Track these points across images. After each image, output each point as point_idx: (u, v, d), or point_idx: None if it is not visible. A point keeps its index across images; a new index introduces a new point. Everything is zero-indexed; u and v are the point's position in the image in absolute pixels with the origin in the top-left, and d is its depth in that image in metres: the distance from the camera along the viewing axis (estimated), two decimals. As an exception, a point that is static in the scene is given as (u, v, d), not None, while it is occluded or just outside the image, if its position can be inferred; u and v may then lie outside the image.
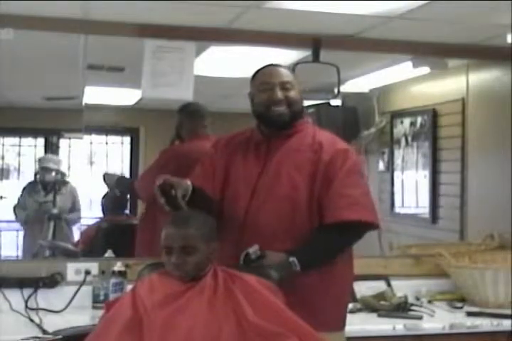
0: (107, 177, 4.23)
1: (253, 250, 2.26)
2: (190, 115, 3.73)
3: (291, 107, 2.40)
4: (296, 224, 2.34)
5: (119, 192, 4.26)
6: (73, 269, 3.09)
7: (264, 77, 2.44)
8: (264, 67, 2.48)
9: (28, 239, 4.13)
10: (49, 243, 3.84)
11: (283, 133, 2.44)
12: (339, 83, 3.52)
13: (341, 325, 2.45)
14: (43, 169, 4.21)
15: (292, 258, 2.25)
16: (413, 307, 3.09)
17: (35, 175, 4.26)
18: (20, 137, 4.61)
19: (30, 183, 4.25)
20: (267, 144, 2.45)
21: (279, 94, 2.38)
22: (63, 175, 4.22)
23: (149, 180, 3.61)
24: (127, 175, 4.53)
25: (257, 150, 2.46)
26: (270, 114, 2.40)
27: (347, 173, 2.35)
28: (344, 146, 2.44)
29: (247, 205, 2.38)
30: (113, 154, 4.60)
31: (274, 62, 2.51)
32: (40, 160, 4.39)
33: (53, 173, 4.17)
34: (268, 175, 2.40)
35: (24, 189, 4.23)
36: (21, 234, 4.20)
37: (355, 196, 2.34)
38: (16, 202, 4.21)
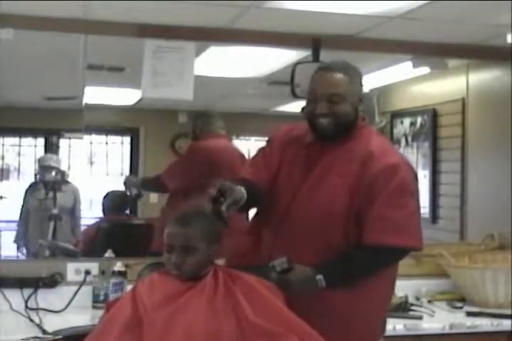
0: (128, 181, 4.20)
1: (278, 262, 2.15)
2: (208, 117, 3.87)
3: (338, 120, 2.22)
4: (330, 236, 2.22)
5: (141, 193, 4.22)
6: (73, 269, 3.09)
7: (314, 85, 2.27)
8: (320, 69, 2.31)
9: (29, 238, 4.12)
10: (49, 243, 3.83)
11: (336, 140, 2.28)
12: (339, 83, 3.52)
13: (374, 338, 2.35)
14: (43, 168, 4.21)
15: (319, 276, 2.14)
16: (413, 307, 3.09)
17: (35, 175, 4.25)
18: (20, 137, 4.61)
19: (31, 185, 4.25)
20: (319, 148, 2.30)
21: (324, 108, 2.21)
22: (63, 173, 4.22)
23: (177, 171, 3.74)
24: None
25: (308, 153, 2.32)
26: (315, 125, 2.26)
27: (392, 193, 2.17)
28: (395, 160, 2.23)
29: (285, 210, 2.27)
30: (113, 154, 4.61)
31: (332, 63, 2.31)
32: (39, 159, 4.39)
33: (53, 172, 4.17)
34: (311, 182, 2.26)
35: (26, 191, 4.23)
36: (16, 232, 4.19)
37: (397, 219, 2.18)
38: (21, 204, 4.21)
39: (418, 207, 2.28)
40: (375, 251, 2.19)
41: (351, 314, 2.24)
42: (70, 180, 4.24)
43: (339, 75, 2.24)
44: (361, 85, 2.31)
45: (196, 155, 3.74)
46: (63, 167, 4.30)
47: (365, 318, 2.27)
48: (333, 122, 2.23)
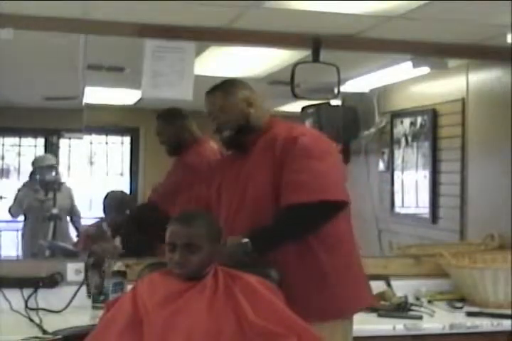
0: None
1: None
2: (189, 117, 3.62)
3: (230, 130, 2.50)
4: (261, 219, 2.37)
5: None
6: (73, 269, 3.10)
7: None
8: (205, 94, 2.58)
9: (28, 237, 4.12)
10: (49, 243, 3.84)
11: (249, 140, 2.51)
12: (339, 83, 3.52)
13: (327, 315, 2.38)
14: (42, 168, 4.21)
15: (245, 240, 2.31)
16: (413, 307, 3.09)
17: (31, 174, 4.24)
18: (20, 137, 4.61)
19: (25, 183, 4.24)
20: (244, 152, 2.53)
21: (214, 125, 2.52)
22: (60, 174, 4.22)
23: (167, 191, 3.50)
24: (127, 176, 4.53)
25: (237, 160, 2.56)
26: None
27: (293, 159, 2.38)
28: (295, 133, 2.43)
29: (226, 215, 2.47)
30: (113, 154, 4.61)
31: (215, 85, 2.56)
32: (36, 159, 4.38)
33: (53, 172, 4.17)
34: (239, 182, 2.48)
35: (19, 190, 4.22)
36: (21, 233, 4.19)
37: (300, 180, 2.34)
38: (11, 203, 4.20)
39: (329, 168, 2.40)
40: (292, 211, 2.34)
41: (297, 278, 2.35)
42: (67, 180, 4.24)
43: (215, 94, 2.53)
44: (244, 94, 2.55)
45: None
46: (63, 167, 4.31)
47: (310, 285, 2.37)
48: (228, 134, 2.51)
